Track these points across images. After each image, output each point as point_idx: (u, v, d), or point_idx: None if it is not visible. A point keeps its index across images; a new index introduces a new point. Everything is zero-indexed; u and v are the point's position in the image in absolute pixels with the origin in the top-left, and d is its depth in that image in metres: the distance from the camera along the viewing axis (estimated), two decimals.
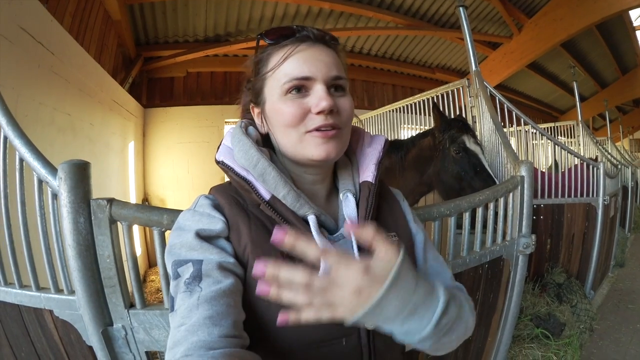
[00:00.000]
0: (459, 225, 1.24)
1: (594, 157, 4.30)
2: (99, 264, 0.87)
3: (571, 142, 5.08)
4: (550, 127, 5.33)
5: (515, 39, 5.99)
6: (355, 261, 0.41)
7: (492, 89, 2.46)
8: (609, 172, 3.19)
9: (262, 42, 0.59)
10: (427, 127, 2.64)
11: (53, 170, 0.90)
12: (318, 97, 0.53)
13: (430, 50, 6.49)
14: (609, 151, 5.37)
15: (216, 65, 5.41)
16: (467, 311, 0.51)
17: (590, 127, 6.80)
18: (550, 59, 7.34)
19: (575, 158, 2.82)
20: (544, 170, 3.17)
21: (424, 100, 3.10)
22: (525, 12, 5.72)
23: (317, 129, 0.53)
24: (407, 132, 3.53)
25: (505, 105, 2.47)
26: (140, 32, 4.69)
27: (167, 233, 0.72)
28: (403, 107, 3.38)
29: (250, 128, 0.61)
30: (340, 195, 0.61)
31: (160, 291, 2.63)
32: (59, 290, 0.96)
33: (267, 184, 0.54)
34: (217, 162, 0.59)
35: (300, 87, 0.54)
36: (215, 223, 0.54)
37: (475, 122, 2.52)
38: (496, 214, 1.37)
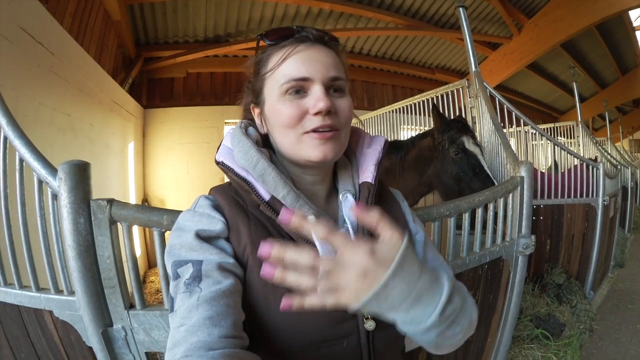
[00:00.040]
0: (458, 226, 1.24)
1: (594, 158, 4.30)
2: (98, 265, 0.87)
3: (571, 142, 5.09)
4: (550, 128, 5.34)
5: (515, 39, 5.99)
6: (362, 243, 0.40)
7: (491, 90, 2.46)
8: (608, 173, 3.18)
9: (262, 43, 0.59)
10: (426, 128, 2.65)
11: (53, 170, 0.90)
12: (315, 98, 0.53)
13: (430, 50, 6.49)
14: (609, 152, 5.38)
15: (216, 66, 5.41)
16: (470, 305, 0.51)
17: (590, 128, 6.81)
18: (550, 60, 7.34)
19: (575, 158, 2.82)
20: (543, 171, 3.17)
21: (423, 101, 3.10)
22: (525, 13, 5.72)
23: (315, 130, 0.53)
24: (406, 133, 3.53)
25: (505, 106, 2.47)
26: (140, 32, 4.69)
27: (167, 234, 0.72)
28: (403, 107, 3.39)
29: (250, 129, 0.61)
30: (340, 195, 0.61)
31: (160, 292, 2.64)
32: (58, 291, 0.96)
33: (267, 185, 0.54)
34: (217, 163, 0.59)
35: (299, 88, 0.54)
36: (215, 223, 0.54)
37: (475, 122, 2.52)
38: (496, 214, 1.37)
